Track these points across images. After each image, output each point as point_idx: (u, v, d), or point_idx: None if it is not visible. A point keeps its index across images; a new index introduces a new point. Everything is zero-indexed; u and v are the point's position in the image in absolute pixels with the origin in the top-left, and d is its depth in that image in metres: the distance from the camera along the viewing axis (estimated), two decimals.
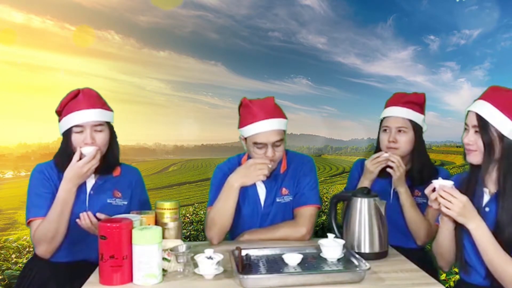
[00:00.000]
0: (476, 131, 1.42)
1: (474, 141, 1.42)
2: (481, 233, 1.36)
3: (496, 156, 1.40)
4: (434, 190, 1.40)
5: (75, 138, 1.66)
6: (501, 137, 1.39)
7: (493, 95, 1.43)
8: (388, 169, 1.81)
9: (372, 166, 1.83)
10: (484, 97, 1.44)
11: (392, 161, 1.79)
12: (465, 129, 1.46)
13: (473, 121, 1.42)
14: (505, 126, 1.38)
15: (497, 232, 1.38)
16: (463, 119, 1.50)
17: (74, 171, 1.61)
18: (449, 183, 1.38)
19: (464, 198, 1.35)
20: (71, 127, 1.66)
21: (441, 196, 1.36)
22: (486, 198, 1.47)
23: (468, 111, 1.45)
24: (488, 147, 1.39)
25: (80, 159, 1.62)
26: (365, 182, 1.87)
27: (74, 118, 1.65)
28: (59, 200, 1.62)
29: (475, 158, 1.43)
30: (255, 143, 1.73)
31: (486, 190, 1.47)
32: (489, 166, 1.42)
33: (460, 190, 1.40)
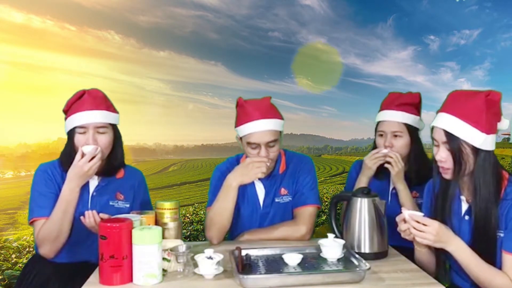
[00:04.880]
0: (447, 149, 1.37)
1: (446, 158, 1.38)
2: (461, 253, 1.35)
3: (470, 169, 1.37)
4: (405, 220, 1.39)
5: (78, 138, 1.66)
6: (474, 149, 1.34)
7: (455, 106, 1.36)
8: (386, 165, 1.83)
9: (371, 162, 1.85)
10: (446, 109, 1.37)
11: (391, 157, 1.81)
12: (435, 144, 1.42)
13: (442, 137, 1.37)
14: (475, 138, 1.32)
15: (476, 240, 1.38)
16: None
17: (76, 170, 1.61)
18: (420, 214, 1.37)
19: (436, 224, 1.34)
20: (74, 128, 1.66)
21: (414, 227, 1.36)
22: (464, 206, 1.46)
23: (434, 126, 1.40)
24: (459, 162, 1.35)
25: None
26: (362, 179, 1.87)
27: (77, 118, 1.65)
28: (62, 200, 1.62)
29: (449, 175, 1.41)
30: (248, 143, 1.72)
31: (463, 198, 1.46)
32: (463, 178, 1.40)
33: (434, 213, 1.44)
